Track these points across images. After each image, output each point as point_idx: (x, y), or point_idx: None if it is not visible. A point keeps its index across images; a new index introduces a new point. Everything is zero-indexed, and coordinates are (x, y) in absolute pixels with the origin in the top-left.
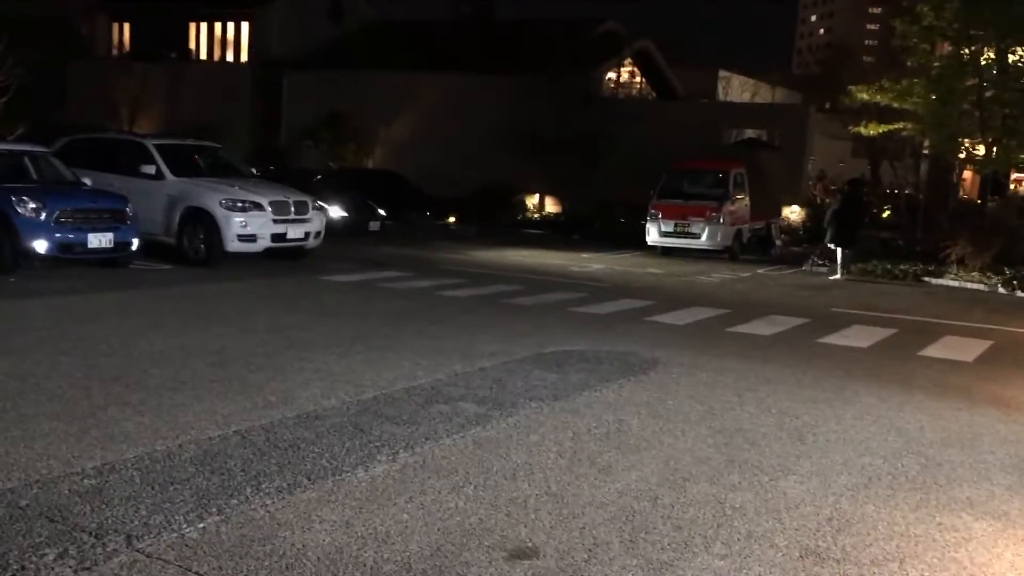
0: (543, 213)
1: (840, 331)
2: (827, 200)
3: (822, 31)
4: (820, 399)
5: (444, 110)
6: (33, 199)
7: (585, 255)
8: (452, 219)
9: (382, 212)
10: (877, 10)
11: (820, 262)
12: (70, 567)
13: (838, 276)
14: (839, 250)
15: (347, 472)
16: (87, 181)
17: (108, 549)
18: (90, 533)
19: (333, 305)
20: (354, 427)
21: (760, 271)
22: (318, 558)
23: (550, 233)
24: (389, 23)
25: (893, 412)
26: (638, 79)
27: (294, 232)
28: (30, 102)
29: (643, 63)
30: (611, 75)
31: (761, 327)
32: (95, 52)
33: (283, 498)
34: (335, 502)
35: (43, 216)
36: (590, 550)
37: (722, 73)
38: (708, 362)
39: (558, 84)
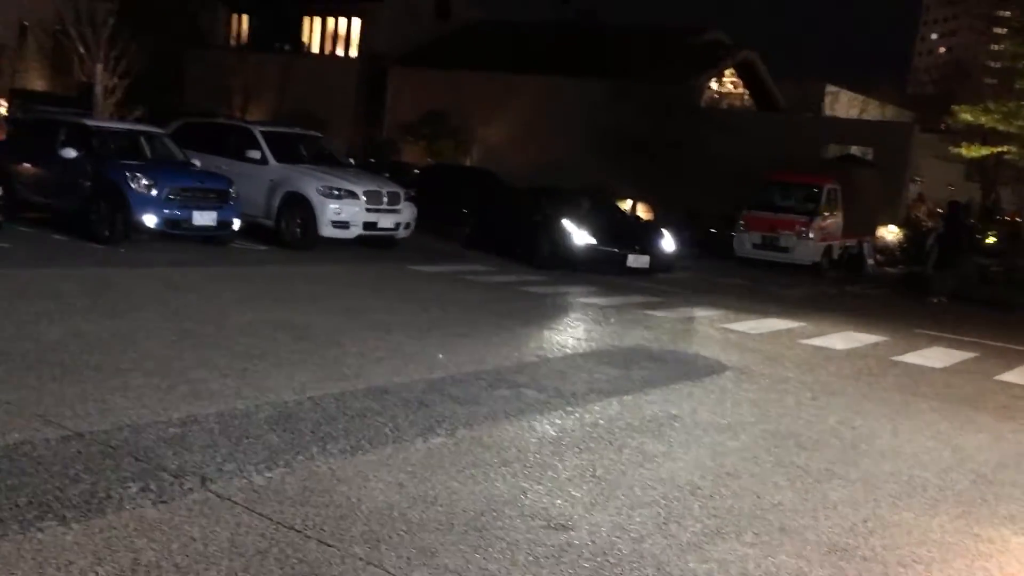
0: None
1: (918, 351)
2: (929, 223)
3: (942, 49)
4: (881, 413)
5: (542, 112)
6: (146, 176)
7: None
8: None
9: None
10: (1003, 30)
11: (937, 298)
12: (150, 499)
13: (932, 298)
14: (937, 272)
15: (407, 441)
16: (196, 162)
17: (184, 487)
18: (170, 473)
19: (416, 293)
20: (419, 403)
21: (848, 288)
22: (369, 511)
23: None
24: (493, 24)
25: (954, 430)
26: (740, 89)
27: (385, 222)
28: (149, 86)
29: (746, 73)
30: (712, 84)
31: (836, 341)
32: (213, 41)
33: (345, 458)
34: (392, 466)
35: (154, 192)
36: (623, 528)
37: (829, 88)
38: (774, 370)
39: (658, 91)
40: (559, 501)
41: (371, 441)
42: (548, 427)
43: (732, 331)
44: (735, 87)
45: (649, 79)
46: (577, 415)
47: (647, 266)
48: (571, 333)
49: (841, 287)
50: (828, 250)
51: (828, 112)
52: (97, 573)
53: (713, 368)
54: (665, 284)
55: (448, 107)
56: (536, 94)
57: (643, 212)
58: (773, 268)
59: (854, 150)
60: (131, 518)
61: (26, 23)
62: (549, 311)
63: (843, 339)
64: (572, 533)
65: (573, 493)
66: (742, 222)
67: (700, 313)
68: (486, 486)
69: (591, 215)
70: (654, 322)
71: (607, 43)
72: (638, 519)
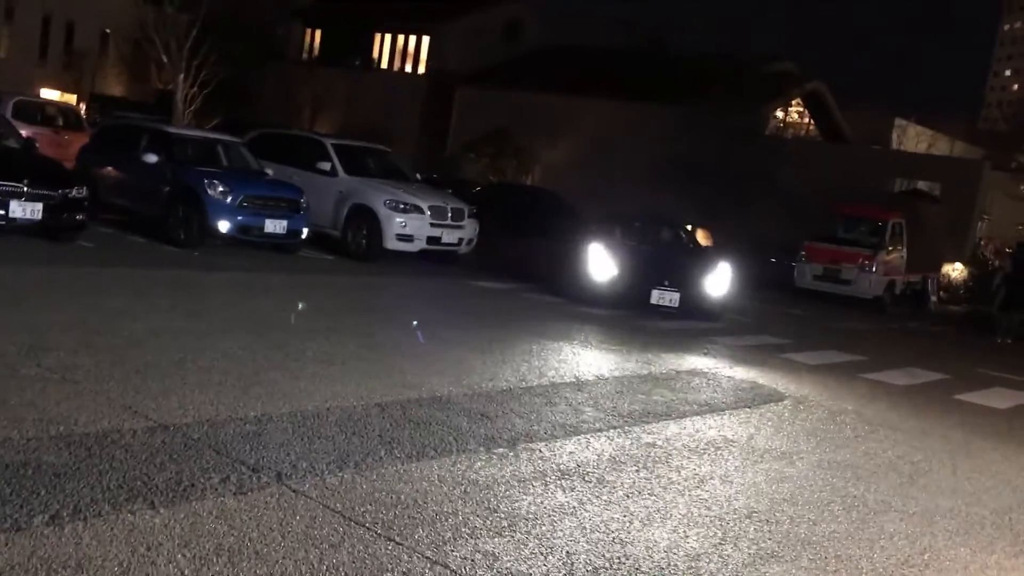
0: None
1: (980, 391)
2: (996, 263)
3: (1015, 87)
4: (941, 449)
5: (605, 135)
6: (222, 183)
7: None
8: None
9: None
10: None
11: (1002, 339)
12: (230, 490)
13: (997, 339)
14: (1003, 313)
15: (470, 450)
16: (269, 171)
17: (262, 481)
18: (248, 466)
19: (478, 307)
20: (481, 414)
21: (910, 324)
22: (434, 515)
23: None
24: (560, 47)
25: (1014, 471)
26: (807, 119)
27: (449, 237)
28: (224, 96)
29: (813, 104)
30: (779, 113)
31: (897, 377)
32: (287, 55)
33: (411, 463)
34: (455, 473)
35: (229, 199)
36: (679, 545)
37: (898, 121)
38: (833, 402)
39: (723, 119)
40: (617, 515)
41: (435, 448)
42: (606, 444)
43: (791, 360)
44: (801, 117)
45: (715, 106)
46: (635, 434)
47: (675, 305)
48: (629, 355)
49: (903, 323)
50: (891, 285)
51: (896, 146)
52: (183, 555)
53: (771, 396)
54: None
55: (512, 127)
56: (600, 118)
57: (703, 239)
58: (833, 300)
59: (921, 185)
60: (213, 506)
61: (108, 30)
62: (607, 332)
63: (904, 375)
64: (629, 547)
65: (631, 509)
66: (803, 252)
67: (759, 341)
68: (545, 497)
69: (632, 242)
70: (713, 348)
71: (673, 69)
72: (694, 538)
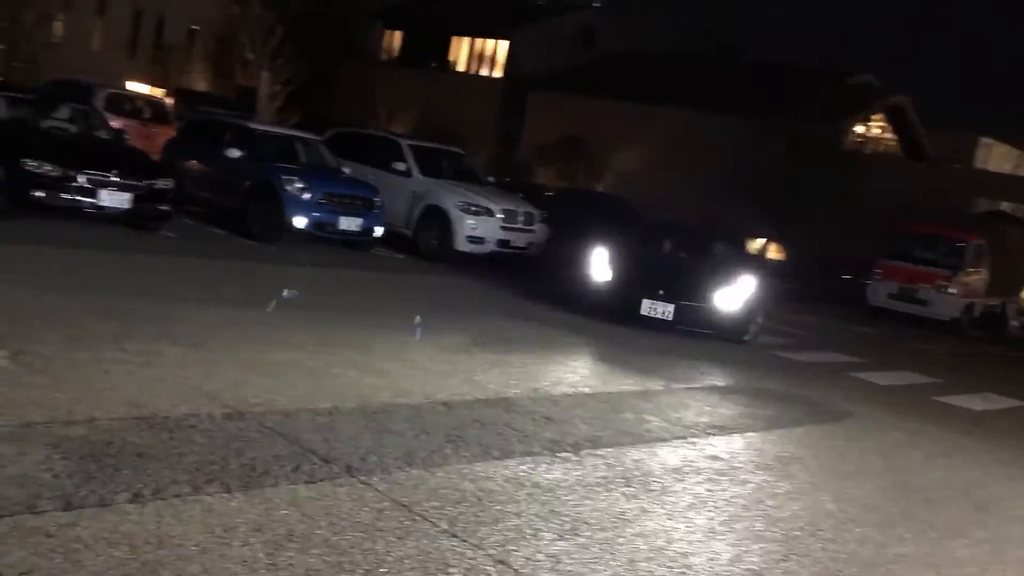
0: (765, 258)
1: None
2: None
3: None
4: (1017, 476)
5: (676, 144)
6: (300, 179)
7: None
8: None
9: None
10: None
11: None
12: (302, 479)
13: None
14: None
15: (534, 453)
16: (346, 170)
17: (332, 472)
18: (319, 457)
19: (541, 313)
20: (546, 418)
21: (988, 348)
22: (498, 515)
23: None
24: (635, 55)
25: None
26: (887, 135)
27: (519, 240)
28: (305, 94)
29: (895, 119)
30: (858, 128)
31: (973, 402)
32: (367, 56)
33: (476, 463)
34: (520, 475)
35: (306, 195)
36: (741, 559)
37: (983, 140)
38: (904, 423)
39: (799, 131)
40: (680, 526)
41: (500, 450)
42: (670, 454)
43: (862, 380)
44: (882, 132)
45: (791, 118)
46: (699, 446)
47: (668, 318)
48: (693, 367)
49: (981, 347)
50: (969, 307)
51: (980, 165)
52: (257, 538)
53: (840, 415)
54: (795, 328)
55: (584, 133)
56: (671, 126)
57: (775, 253)
58: (908, 320)
59: (1005, 206)
60: (285, 493)
61: (195, 27)
62: (672, 342)
63: (980, 400)
64: (692, 558)
65: (694, 520)
66: (878, 270)
67: (829, 359)
68: (609, 503)
69: (648, 249)
70: (782, 364)
71: (748, 80)
72: (757, 553)
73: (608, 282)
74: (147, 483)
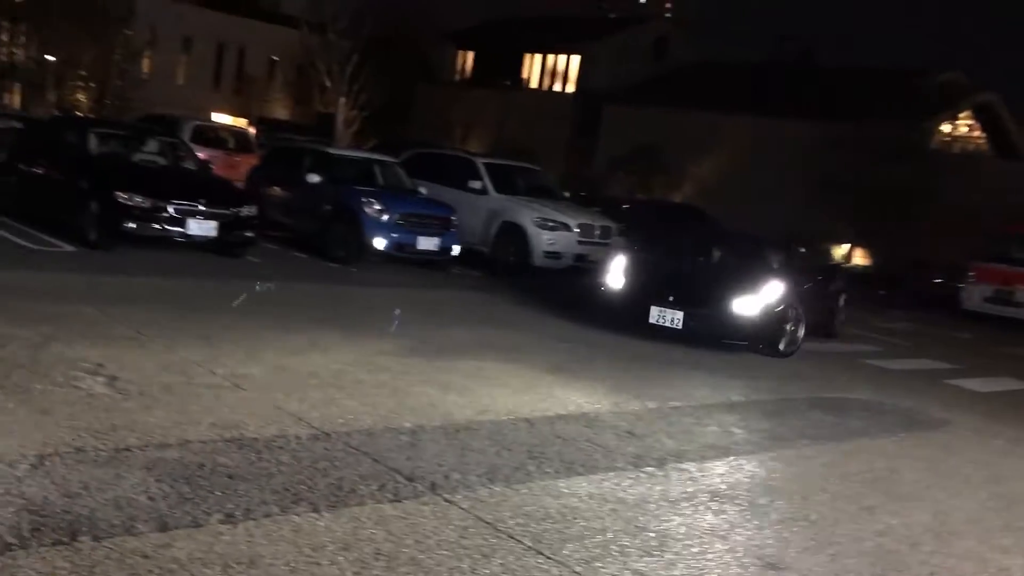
0: (850, 265)
1: None
2: None
3: None
4: None
5: (754, 151)
6: (379, 201)
7: (890, 311)
8: None
9: None
10: None
11: None
12: (387, 497)
13: None
14: None
15: (618, 468)
16: (423, 190)
17: (416, 489)
18: (403, 476)
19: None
20: (629, 433)
21: None
22: (583, 531)
23: (854, 287)
24: (708, 65)
25: None
26: (976, 133)
27: (596, 254)
28: (381, 118)
29: (983, 117)
30: (945, 127)
31: None
32: (442, 77)
33: (559, 479)
34: (604, 491)
35: (385, 217)
36: (835, 573)
37: None
38: (1005, 431)
39: (882, 134)
40: (770, 541)
41: (584, 465)
42: (758, 467)
43: (959, 387)
44: (970, 131)
45: (873, 122)
46: (788, 458)
47: (678, 327)
48: (779, 377)
49: None
50: None
51: None
52: (344, 557)
53: (937, 423)
54: (885, 334)
55: (659, 144)
56: (749, 134)
57: (860, 259)
58: (1005, 324)
59: None
60: (371, 512)
61: (275, 57)
62: (752, 353)
63: None
64: (785, 573)
65: (785, 535)
66: (972, 273)
67: (925, 366)
68: (696, 518)
69: (676, 255)
70: (873, 372)
71: (828, 83)
72: (853, 568)
73: (619, 290)
74: (238, 504)
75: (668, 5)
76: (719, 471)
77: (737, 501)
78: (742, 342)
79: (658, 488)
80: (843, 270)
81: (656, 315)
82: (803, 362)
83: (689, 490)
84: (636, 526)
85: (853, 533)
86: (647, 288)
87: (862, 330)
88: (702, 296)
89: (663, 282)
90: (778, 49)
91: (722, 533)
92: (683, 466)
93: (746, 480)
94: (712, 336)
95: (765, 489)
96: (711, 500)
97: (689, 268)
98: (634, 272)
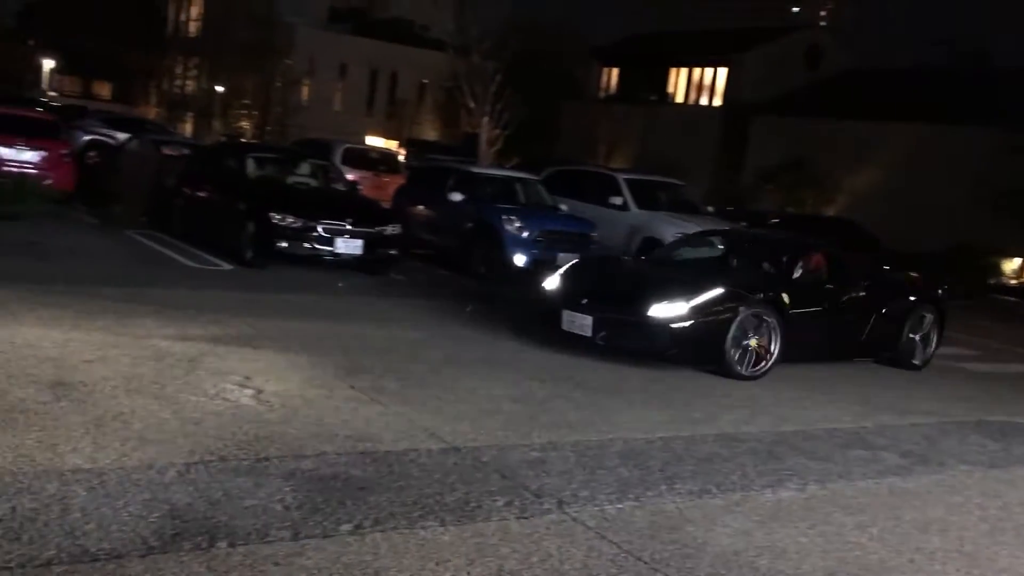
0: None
1: None
2: None
3: None
4: None
5: (915, 162)
6: (519, 219)
7: None
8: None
9: None
10: None
11: None
12: (513, 513)
13: None
14: None
15: (755, 490)
16: (564, 207)
17: (543, 507)
18: (531, 492)
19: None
20: (768, 454)
21: None
22: (715, 554)
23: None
24: (865, 71)
25: None
26: None
27: None
28: (524, 136)
29: None
30: None
31: None
32: (585, 94)
33: (692, 500)
34: (739, 513)
35: (525, 234)
36: None
37: None
38: None
39: None
40: (920, 572)
41: (719, 486)
42: (909, 495)
43: None
44: None
45: None
46: (944, 485)
47: (586, 334)
48: (938, 398)
49: None
50: None
51: None
52: (469, 573)
53: None
54: None
55: (811, 156)
56: (909, 143)
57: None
58: None
59: None
60: (497, 528)
61: (425, 81)
62: (916, 374)
63: None
64: None
65: (937, 567)
66: None
67: None
68: (838, 545)
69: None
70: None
71: (1000, 87)
72: None
73: (546, 293)
74: (368, 515)
75: (823, 13)
76: (865, 497)
77: (883, 528)
78: (659, 354)
79: (796, 511)
80: (929, 287)
81: (567, 320)
82: (961, 381)
83: (830, 515)
84: (772, 551)
85: (1014, 568)
86: (568, 290)
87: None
88: (618, 298)
89: (593, 283)
90: (940, 52)
91: (866, 562)
92: (825, 490)
93: (893, 506)
94: (623, 346)
95: (916, 516)
96: (854, 527)
97: (644, 270)
98: (575, 272)
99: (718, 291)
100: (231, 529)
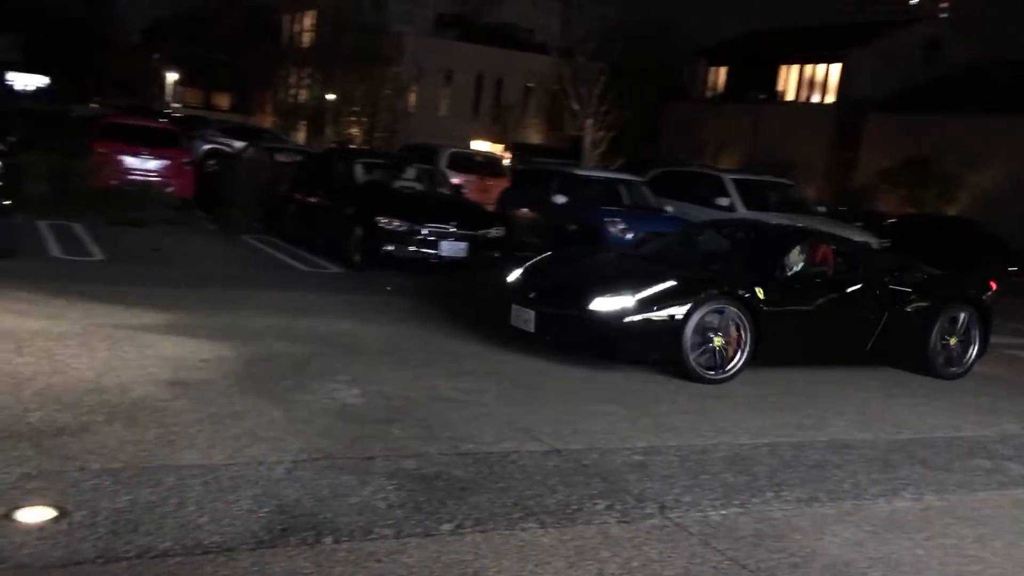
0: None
1: None
2: None
3: None
4: None
5: None
6: (623, 220)
7: None
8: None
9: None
10: None
11: None
12: (613, 517)
13: None
14: None
15: (868, 499)
16: (668, 208)
17: (645, 511)
18: (633, 496)
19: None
20: (883, 462)
21: None
22: (824, 565)
23: None
24: (990, 63)
25: None
26: None
27: None
28: (629, 137)
29: None
30: None
31: None
32: (692, 94)
33: (800, 508)
34: (850, 522)
35: (628, 236)
36: None
37: None
38: None
39: None
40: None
41: (829, 494)
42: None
43: None
44: None
45: None
46: None
47: (529, 329)
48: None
49: None
50: None
51: None
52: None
53: None
54: None
55: (932, 153)
56: None
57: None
58: None
59: None
60: (597, 531)
61: (530, 85)
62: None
63: None
64: None
65: None
66: None
67: None
68: (957, 558)
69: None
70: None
71: None
72: None
73: (503, 286)
74: (468, 515)
75: (944, 4)
76: (987, 508)
77: (1007, 542)
78: (606, 352)
79: (912, 522)
80: (967, 285)
81: (514, 315)
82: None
83: (948, 526)
84: (886, 563)
85: None
86: (523, 284)
87: None
88: (564, 291)
89: (550, 277)
90: None
91: (978, 568)
92: (943, 500)
93: (1014, 516)
94: (565, 342)
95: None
96: (974, 540)
97: (607, 263)
98: (540, 266)
99: (670, 283)
100: (336, 525)
